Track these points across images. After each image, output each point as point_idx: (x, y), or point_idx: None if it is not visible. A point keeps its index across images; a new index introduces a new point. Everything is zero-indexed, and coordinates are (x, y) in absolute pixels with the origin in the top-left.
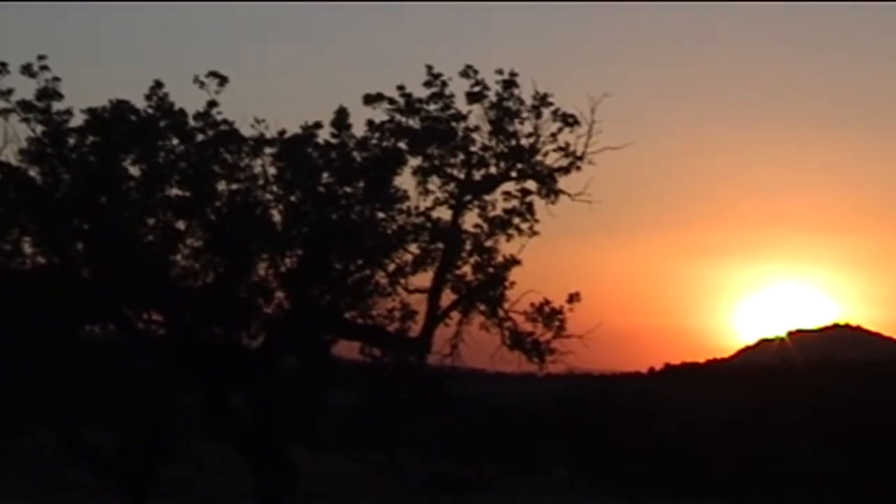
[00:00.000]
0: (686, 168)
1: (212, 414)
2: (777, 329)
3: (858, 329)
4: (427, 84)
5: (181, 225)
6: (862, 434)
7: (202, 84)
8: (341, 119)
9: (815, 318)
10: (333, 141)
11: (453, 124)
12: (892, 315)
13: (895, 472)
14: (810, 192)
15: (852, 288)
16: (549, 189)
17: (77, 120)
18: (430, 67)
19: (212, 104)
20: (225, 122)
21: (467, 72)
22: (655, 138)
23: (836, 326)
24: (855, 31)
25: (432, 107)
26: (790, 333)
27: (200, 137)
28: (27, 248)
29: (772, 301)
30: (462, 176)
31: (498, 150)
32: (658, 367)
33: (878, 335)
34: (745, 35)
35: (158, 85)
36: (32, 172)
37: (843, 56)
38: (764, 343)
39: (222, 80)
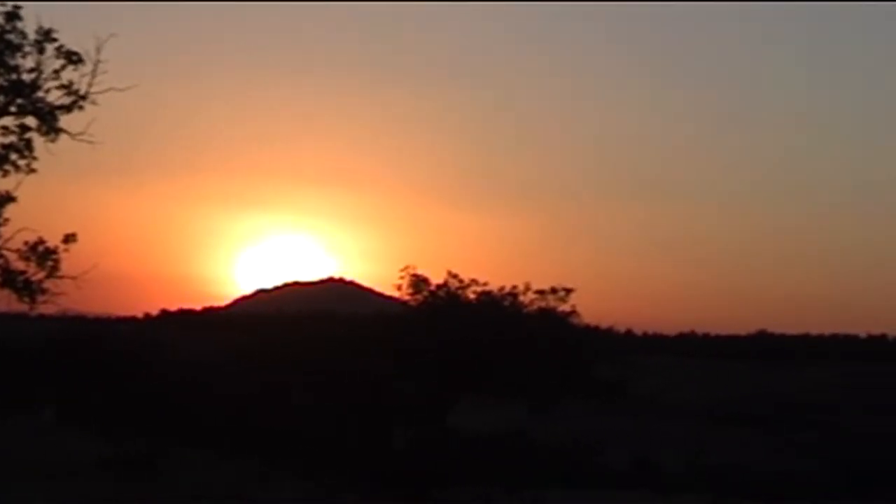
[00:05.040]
0: (192, 115)
1: None
2: (275, 280)
3: (352, 283)
4: None
5: None
6: (345, 382)
7: None
8: None
9: (312, 270)
10: None
11: None
12: (383, 271)
13: (373, 414)
14: (313, 144)
15: (349, 243)
16: (50, 126)
17: None
18: None
19: None
20: None
21: None
22: (162, 83)
23: (331, 280)
24: None
25: None
26: (287, 285)
27: None
28: None
29: (270, 252)
30: None
31: None
32: (154, 312)
33: (370, 290)
34: None
35: None
36: None
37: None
38: (261, 293)
39: None
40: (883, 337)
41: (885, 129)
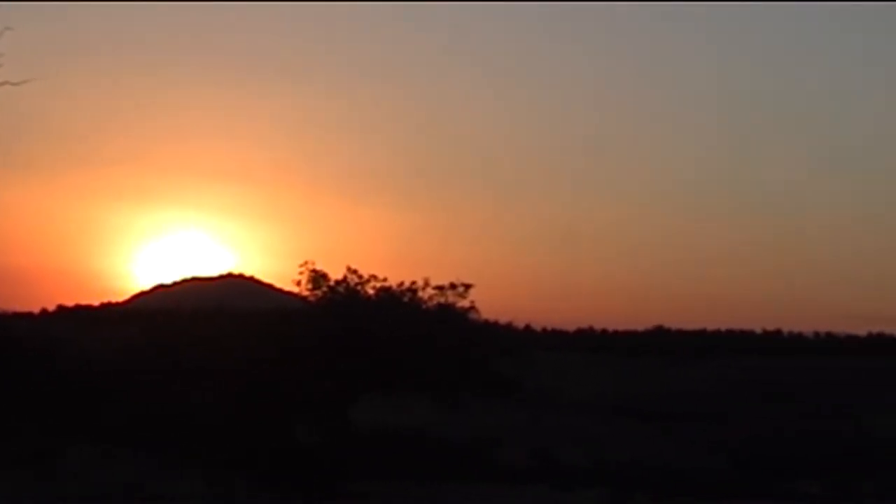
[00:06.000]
0: (87, 111)
1: None
2: (173, 275)
3: (252, 279)
4: None
5: None
6: (247, 379)
7: None
8: None
9: (211, 266)
10: None
11: None
12: (282, 266)
13: (274, 411)
14: (211, 140)
15: (248, 238)
16: None
17: None
18: None
19: None
20: None
21: None
22: (60, 79)
23: (230, 275)
24: None
25: None
26: (185, 280)
27: None
28: None
29: (168, 247)
30: None
31: None
32: (51, 307)
33: (269, 286)
34: None
35: None
36: None
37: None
38: (160, 288)
39: None
40: (778, 332)
41: (773, 129)
